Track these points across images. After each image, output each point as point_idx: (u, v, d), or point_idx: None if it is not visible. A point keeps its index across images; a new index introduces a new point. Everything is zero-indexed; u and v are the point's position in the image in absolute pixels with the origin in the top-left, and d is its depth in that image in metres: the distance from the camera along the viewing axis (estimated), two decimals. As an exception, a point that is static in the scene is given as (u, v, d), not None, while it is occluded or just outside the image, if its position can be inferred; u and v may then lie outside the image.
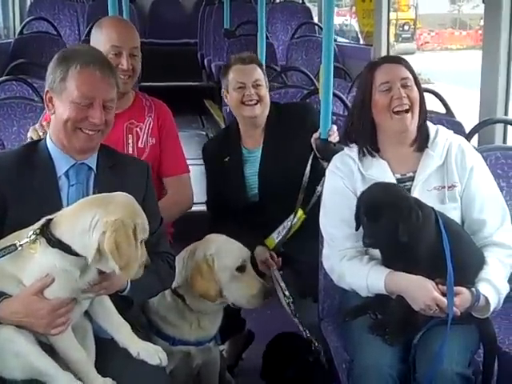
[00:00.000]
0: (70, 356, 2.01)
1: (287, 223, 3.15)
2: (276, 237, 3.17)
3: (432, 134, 2.56)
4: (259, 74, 3.23)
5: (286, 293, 2.95)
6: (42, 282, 1.95)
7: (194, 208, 3.23)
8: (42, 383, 1.98)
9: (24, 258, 1.98)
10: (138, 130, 3.01)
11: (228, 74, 3.24)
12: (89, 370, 2.03)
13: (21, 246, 1.96)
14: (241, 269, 2.56)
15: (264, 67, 3.35)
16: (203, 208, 3.43)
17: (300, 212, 3.16)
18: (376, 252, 2.43)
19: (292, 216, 3.15)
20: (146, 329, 2.51)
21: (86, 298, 2.04)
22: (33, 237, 1.97)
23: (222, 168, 3.27)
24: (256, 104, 3.18)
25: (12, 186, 2.11)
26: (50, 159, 2.22)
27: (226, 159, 3.27)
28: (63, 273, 1.96)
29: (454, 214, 2.47)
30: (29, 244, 1.96)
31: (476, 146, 3.50)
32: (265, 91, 3.23)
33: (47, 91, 2.25)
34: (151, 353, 2.07)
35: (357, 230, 2.39)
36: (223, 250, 2.57)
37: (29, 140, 2.62)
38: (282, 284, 2.99)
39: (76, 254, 1.94)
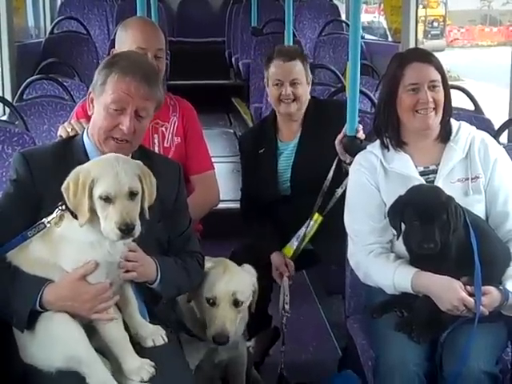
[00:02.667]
0: (109, 335, 2.06)
1: (303, 230, 3.15)
2: (294, 244, 3.17)
3: (454, 130, 2.56)
4: (298, 72, 3.23)
5: (286, 306, 2.96)
6: (85, 268, 2.01)
7: (222, 205, 3.26)
8: (75, 378, 2.02)
9: (55, 242, 2.05)
10: (164, 129, 3.04)
11: (269, 67, 3.27)
12: (128, 350, 2.07)
13: (49, 222, 2.04)
14: (210, 303, 2.48)
15: (308, 61, 3.35)
16: (231, 205, 3.47)
17: (316, 215, 3.16)
18: (402, 249, 2.43)
19: (308, 222, 3.15)
20: (176, 327, 2.53)
21: (122, 275, 2.09)
22: (59, 212, 2.04)
23: (256, 160, 3.30)
24: (292, 102, 3.20)
25: (48, 184, 2.14)
26: (85, 156, 2.27)
27: (261, 151, 3.30)
28: (93, 246, 2.02)
29: (479, 207, 2.47)
30: (56, 222, 2.04)
31: (506, 143, 3.48)
32: (302, 89, 3.23)
33: (90, 92, 2.31)
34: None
35: (398, 238, 2.38)
36: (208, 276, 2.51)
37: (59, 138, 2.66)
38: (287, 297, 2.98)
39: None
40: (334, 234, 2.95)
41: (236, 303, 2.49)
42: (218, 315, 2.45)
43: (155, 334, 2.18)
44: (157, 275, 2.20)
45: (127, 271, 2.11)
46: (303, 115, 3.29)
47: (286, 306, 2.96)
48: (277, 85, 3.22)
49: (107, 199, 1.97)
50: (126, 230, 1.95)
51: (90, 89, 2.31)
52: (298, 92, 3.22)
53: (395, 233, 2.46)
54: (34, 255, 2.06)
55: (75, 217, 2.02)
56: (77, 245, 2.03)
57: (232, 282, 2.51)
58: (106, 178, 1.99)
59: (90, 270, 2.02)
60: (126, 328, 2.13)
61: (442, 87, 2.51)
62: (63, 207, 2.05)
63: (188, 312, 2.60)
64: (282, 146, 3.31)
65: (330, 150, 3.14)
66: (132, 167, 2.04)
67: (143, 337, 2.16)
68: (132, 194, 2.00)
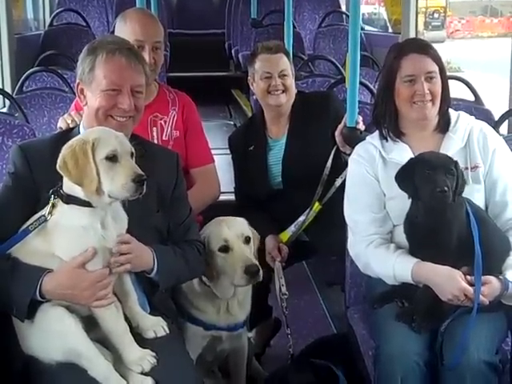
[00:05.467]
0: (110, 326, 2.06)
1: (303, 217, 3.16)
2: (291, 230, 3.19)
3: (453, 120, 2.57)
4: (285, 64, 3.24)
5: (283, 289, 2.96)
6: (83, 256, 2.01)
7: (222, 197, 3.26)
8: (76, 369, 2.03)
9: (49, 231, 2.05)
10: (162, 122, 3.05)
11: (255, 62, 3.26)
12: (128, 341, 2.08)
13: (49, 214, 2.04)
14: (224, 249, 2.56)
15: (291, 56, 3.36)
16: (231, 197, 3.46)
17: (316, 204, 3.17)
18: (402, 239, 2.44)
19: (308, 210, 3.16)
20: (175, 316, 2.54)
21: (116, 270, 2.09)
22: (52, 200, 2.05)
23: (246, 157, 3.30)
24: (282, 93, 3.20)
25: (47, 176, 2.14)
26: None
27: (251, 148, 3.30)
28: (86, 230, 2.02)
29: (478, 197, 2.47)
30: (50, 211, 2.05)
31: (505, 133, 3.48)
32: (290, 81, 3.24)
33: (78, 83, 2.31)
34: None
35: (409, 197, 2.38)
36: (211, 233, 2.59)
37: (59, 130, 2.66)
38: (282, 279, 3.00)
39: (87, 204, 2.01)
40: (329, 224, 2.96)
41: (246, 240, 2.59)
42: (237, 255, 2.53)
43: (156, 325, 2.18)
44: (154, 264, 2.20)
45: (121, 264, 2.10)
46: (290, 110, 3.29)
47: (283, 289, 2.97)
48: (266, 78, 3.21)
49: (113, 158, 1.99)
50: (140, 182, 1.97)
51: (78, 80, 2.31)
52: (287, 83, 3.22)
53: (393, 222, 2.49)
54: (31, 246, 2.07)
55: (66, 202, 2.03)
56: (70, 230, 2.03)
57: (234, 224, 2.61)
58: (107, 139, 2.02)
59: (88, 257, 2.02)
60: (127, 320, 2.13)
61: (439, 78, 2.51)
62: (54, 196, 2.06)
63: (192, 294, 2.61)
64: (272, 142, 3.31)
65: (320, 142, 3.16)
66: (124, 135, 2.10)
67: (144, 328, 2.16)
68: (132, 155, 2.05)
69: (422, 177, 2.32)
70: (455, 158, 2.42)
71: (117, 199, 2.03)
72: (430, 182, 2.29)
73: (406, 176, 2.37)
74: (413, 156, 2.50)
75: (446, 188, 2.26)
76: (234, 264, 2.51)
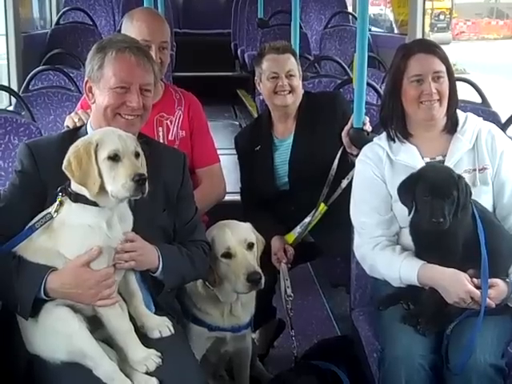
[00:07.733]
0: (114, 325, 2.06)
1: (309, 218, 3.16)
2: (297, 231, 3.18)
3: (461, 121, 2.56)
4: (292, 64, 3.24)
5: (288, 290, 2.96)
6: (88, 255, 2.01)
7: (228, 197, 3.26)
8: (80, 369, 2.02)
9: (55, 229, 2.05)
10: (168, 122, 3.05)
11: (262, 63, 3.25)
12: (134, 340, 2.07)
13: (55, 212, 2.05)
14: (227, 255, 2.55)
15: (298, 56, 3.36)
16: (237, 197, 3.46)
17: (321, 205, 3.16)
18: (409, 241, 2.43)
19: (314, 211, 3.15)
20: (180, 316, 2.54)
21: (119, 266, 2.09)
22: (59, 199, 2.05)
23: (252, 157, 3.30)
24: (288, 94, 3.19)
25: (54, 174, 2.14)
26: None
27: (257, 148, 3.30)
28: (91, 229, 2.02)
29: (486, 199, 2.47)
30: (57, 209, 2.05)
31: (512, 136, 3.46)
32: (297, 81, 3.24)
33: (87, 81, 2.31)
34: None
35: (410, 213, 2.37)
36: (215, 238, 2.58)
37: (65, 128, 2.67)
38: (287, 281, 2.99)
39: (94, 203, 2.01)
40: (335, 225, 2.95)
41: (249, 246, 2.58)
42: (240, 261, 2.52)
43: (161, 325, 2.18)
44: (159, 263, 2.20)
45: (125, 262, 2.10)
46: (297, 110, 3.28)
47: (288, 290, 2.96)
48: (273, 78, 3.21)
49: (116, 157, 1.99)
50: (140, 181, 1.96)
51: (86, 78, 2.31)
52: (294, 83, 3.22)
53: (400, 224, 2.49)
54: (37, 244, 2.07)
55: (74, 200, 2.04)
56: (75, 229, 2.03)
57: (237, 230, 2.60)
58: (110, 139, 2.02)
59: (93, 256, 2.01)
60: (132, 320, 2.13)
61: (446, 78, 2.50)
62: (62, 193, 2.06)
63: (196, 296, 2.61)
64: (278, 142, 3.31)
65: (326, 143, 3.15)
66: (131, 136, 2.09)
67: (150, 328, 2.16)
68: (137, 155, 2.03)
69: (421, 201, 2.31)
70: (463, 160, 2.42)
71: (118, 199, 2.02)
72: (427, 208, 2.28)
73: (407, 192, 2.36)
74: (420, 158, 2.50)
75: (441, 219, 2.24)
76: (236, 271, 2.50)
